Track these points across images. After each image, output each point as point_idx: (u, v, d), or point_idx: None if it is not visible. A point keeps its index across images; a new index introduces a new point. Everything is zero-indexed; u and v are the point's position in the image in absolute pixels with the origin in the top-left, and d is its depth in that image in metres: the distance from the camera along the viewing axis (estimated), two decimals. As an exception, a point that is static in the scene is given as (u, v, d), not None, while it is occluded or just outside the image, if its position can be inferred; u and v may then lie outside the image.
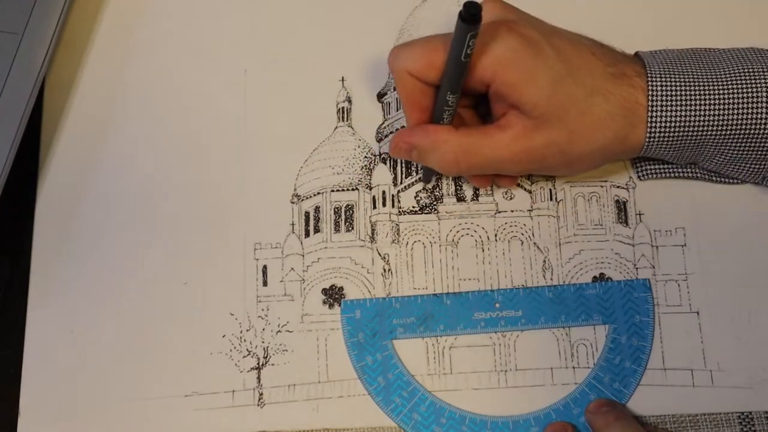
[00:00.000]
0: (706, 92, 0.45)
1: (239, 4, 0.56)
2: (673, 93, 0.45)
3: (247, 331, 0.50)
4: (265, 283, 0.51)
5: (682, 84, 0.46)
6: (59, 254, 0.51)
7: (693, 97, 0.45)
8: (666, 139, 0.46)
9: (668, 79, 0.46)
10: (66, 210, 0.52)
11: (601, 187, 0.53)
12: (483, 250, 0.52)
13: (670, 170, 0.51)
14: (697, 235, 0.51)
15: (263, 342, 0.50)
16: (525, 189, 0.53)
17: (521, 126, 0.45)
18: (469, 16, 0.40)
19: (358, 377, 0.49)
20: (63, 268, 0.51)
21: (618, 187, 0.53)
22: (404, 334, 0.50)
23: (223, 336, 0.50)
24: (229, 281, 0.51)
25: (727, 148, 0.47)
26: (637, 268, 0.51)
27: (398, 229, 0.52)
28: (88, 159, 0.53)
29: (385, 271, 0.51)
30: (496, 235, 0.52)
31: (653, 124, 0.46)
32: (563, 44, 0.46)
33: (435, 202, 0.53)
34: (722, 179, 0.51)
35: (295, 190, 0.53)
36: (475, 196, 0.53)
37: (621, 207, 0.52)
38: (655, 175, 0.52)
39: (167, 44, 0.55)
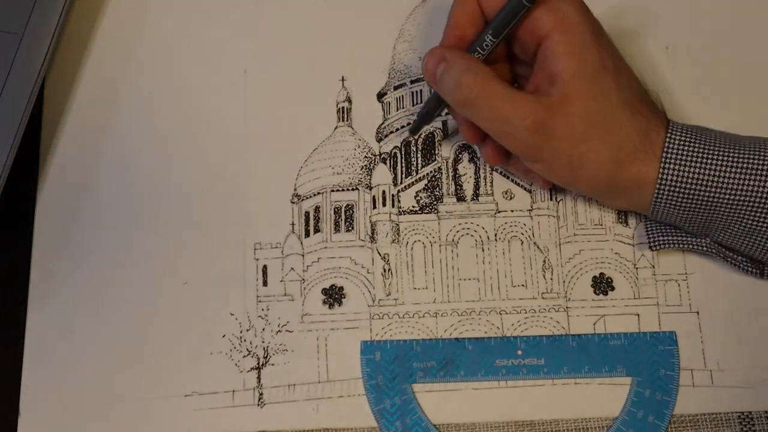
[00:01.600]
0: (724, 154, 0.44)
1: (239, 4, 0.56)
2: (692, 143, 0.45)
3: (247, 331, 0.50)
4: (265, 283, 0.51)
5: (703, 141, 0.45)
6: (59, 254, 0.51)
7: (711, 155, 0.45)
8: (678, 188, 0.45)
9: (688, 132, 0.45)
10: (66, 210, 0.52)
11: (601, 187, 0.53)
12: (483, 250, 0.52)
13: (685, 241, 0.49)
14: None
15: (263, 342, 0.50)
16: (525, 189, 0.53)
17: (550, 98, 0.45)
18: None
19: (375, 420, 0.48)
20: (63, 268, 0.51)
21: (618, 187, 0.52)
22: (424, 379, 0.49)
23: (223, 336, 0.50)
24: (229, 281, 0.51)
25: (742, 217, 0.45)
26: (637, 268, 0.51)
27: (398, 229, 0.52)
28: (88, 159, 0.53)
29: (385, 271, 0.51)
30: (496, 235, 0.52)
31: (667, 164, 0.45)
32: (619, 54, 0.47)
33: (435, 202, 0.53)
34: (735, 261, 0.49)
35: (295, 190, 0.53)
36: (475, 196, 0.53)
37: (621, 207, 0.52)
38: (667, 246, 0.50)
39: (167, 44, 0.55)
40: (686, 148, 0.45)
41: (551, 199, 0.52)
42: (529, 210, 0.52)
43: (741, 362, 0.49)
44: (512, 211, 0.52)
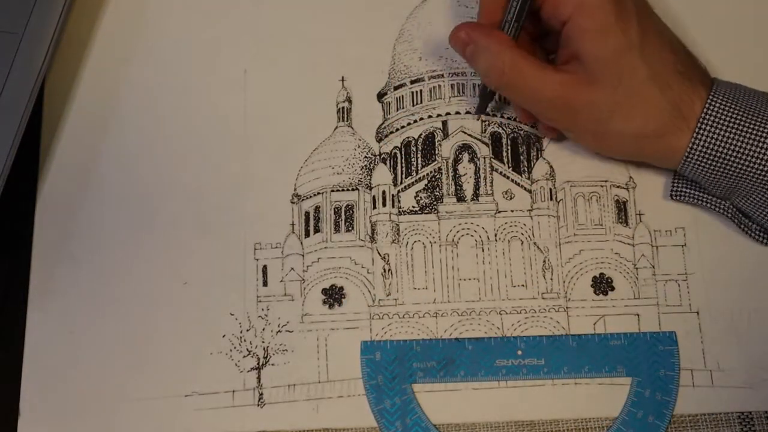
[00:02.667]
0: (759, 126, 0.45)
1: (239, 4, 0.56)
2: (730, 113, 0.45)
3: (247, 331, 0.50)
4: (265, 283, 0.51)
5: (742, 110, 0.46)
6: (59, 254, 0.51)
7: (748, 125, 0.45)
8: (707, 156, 0.46)
9: (730, 100, 0.46)
10: (66, 210, 0.52)
11: (601, 187, 0.53)
12: (483, 250, 0.52)
13: (705, 200, 0.50)
14: (697, 235, 0.51)
15: (263, 342, 0.50)
16: (525, 189, 0.53)
17: (575, 76, 0.46)
18: None
19: (375, 421, 0.49)
20: (63, 268, 0.51)
21: (618, 187, 0.53)
22: (424, 379, 0.49)
23: (223, 336, 0.50)
24: (229, 281, 0.51)
25: (766, 187, 0.46)
26: (637, 268, 0.51)
27: (398, 229, 0.52)
28: (88, 159, 0.53)
29: (385, 271, 0.51)
30: (496, 235, 0.52)
31: (700, 135, 0.45)
32: (650, 26, 0.47)
33: (435, 202, 0.53)
34: (749, 228, 0.50)
35: (295, 190, 0.53)
36: (475, 195, 0.53)
37: (621, 207, 0.52)
38: (688, 200, 0.51)
39: (167, 44, 0.55)
40: (722, 118, 0.46)
41: (551, 199, 0.52)
42: (529, 210, 0.52)
43: (741, 362, 0.49)
44: (512, 211, 0.52)
